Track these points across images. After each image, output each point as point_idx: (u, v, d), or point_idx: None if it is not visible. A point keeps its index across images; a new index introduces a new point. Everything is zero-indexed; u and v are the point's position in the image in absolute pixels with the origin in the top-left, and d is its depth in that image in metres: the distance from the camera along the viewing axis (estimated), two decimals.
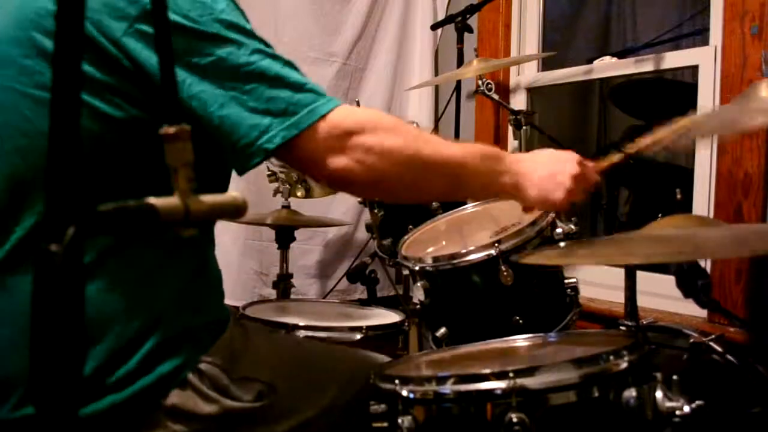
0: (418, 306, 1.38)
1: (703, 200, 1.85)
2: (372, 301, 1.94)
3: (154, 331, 0.94)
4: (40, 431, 0.43)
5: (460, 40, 2.29)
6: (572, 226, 1.30)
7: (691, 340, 1.24)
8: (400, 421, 0.86)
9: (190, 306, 1.00)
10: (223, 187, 1.03)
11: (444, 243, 1.49)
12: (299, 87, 0.90)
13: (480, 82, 2.04)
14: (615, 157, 1.20)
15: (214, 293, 1.08)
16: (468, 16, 2.27)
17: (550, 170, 1.08)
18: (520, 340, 1.11)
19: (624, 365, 0.83)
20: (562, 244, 1.03)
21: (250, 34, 0.90)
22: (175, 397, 0.95)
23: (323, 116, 0.89)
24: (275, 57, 0.91)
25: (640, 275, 1.09)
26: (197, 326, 1.00)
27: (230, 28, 0.88)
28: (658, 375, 0.82)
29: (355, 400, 1.10)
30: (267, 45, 0.92)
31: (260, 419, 1.02)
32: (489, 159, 1.05)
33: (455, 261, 1.29)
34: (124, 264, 0.93)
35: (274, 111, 0.88)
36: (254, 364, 1.05)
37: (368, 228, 1.84)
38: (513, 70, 2.54)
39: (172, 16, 0.84)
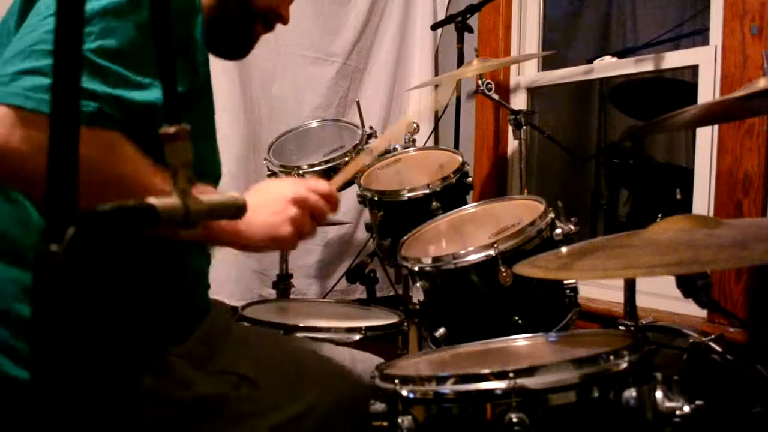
0: (418, 306, 1.38)
1: (703, 200, 1.85)
2: (371, 301, 1.93)
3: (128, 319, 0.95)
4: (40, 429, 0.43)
5: (460, 40, 2.29)
6: (572, 227, 1.30)
7: (691, 340, 1.23)
8: (400, 421, 0.86)
9: (165, 297, 1.01)
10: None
11: (444, 243, 1.49)
12: None
13: (480, 82, 2.04)
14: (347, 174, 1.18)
15: (194, 286, 1.08)
16: (468, 16, 2.27)
17: (271, 205, 0.97)
18: (520, 340, 1.11)
19: (624, 365, 0.83)
20: (563, 249, 1.03)
21: None
22: (151, 382, 0.96)
23: None
24: None
25: None
26: (172, 316, 1.01)
27: None
28: (658, 375, 0.82)
29: (347, 398, 1.10)
30: None
31: (237, 410, 1.02)
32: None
33: (454, 261, 1.29)
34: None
35: None
36: (233, 358, 1.06)
37: (368, 228, 1.83)
38: (513, 69, 2.54)
39: None
